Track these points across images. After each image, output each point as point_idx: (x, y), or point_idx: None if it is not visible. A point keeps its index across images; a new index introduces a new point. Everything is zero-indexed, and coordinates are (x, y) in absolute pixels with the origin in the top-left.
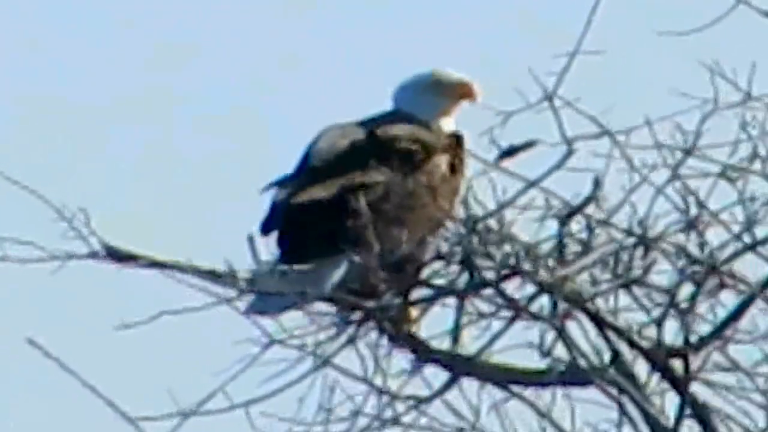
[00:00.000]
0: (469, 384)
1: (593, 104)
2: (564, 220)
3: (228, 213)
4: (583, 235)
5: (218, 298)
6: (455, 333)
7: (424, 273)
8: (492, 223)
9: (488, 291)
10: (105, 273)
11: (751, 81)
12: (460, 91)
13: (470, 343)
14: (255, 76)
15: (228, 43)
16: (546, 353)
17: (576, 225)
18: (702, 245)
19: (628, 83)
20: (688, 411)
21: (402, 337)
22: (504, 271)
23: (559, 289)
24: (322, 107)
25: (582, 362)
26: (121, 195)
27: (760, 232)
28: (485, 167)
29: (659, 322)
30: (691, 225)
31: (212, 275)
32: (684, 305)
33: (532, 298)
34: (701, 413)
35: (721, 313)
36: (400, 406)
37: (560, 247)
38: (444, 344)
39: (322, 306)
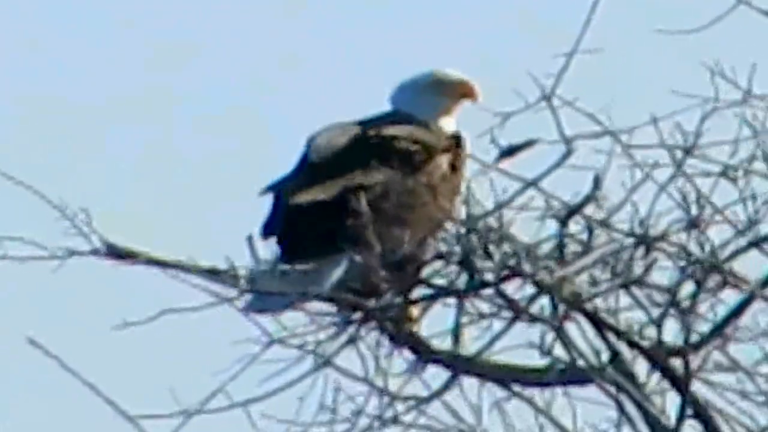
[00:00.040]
0: (469, 384)
1: (593, 104)
2: (564, 220)
3: (228, 213)
4: (583, 236)
5: (219, 297)
6: (456, 333)
7: (424, 272)
8: (491, 222)
9: (488, 291)
10: (105, 272)
11: (751, 80)
12: (461, 91)
13: (471, 343)
14: (255, 76)
15: (228, 43)
16: (546, 353)
17: (576, 225)
18: (702, 244)
19: (628, 83)
20: (689, 411)
21: (403, 336)
22: (504, 272)
23: (559, 291)
24: (322, 107)
25: (581, 363)
26: (121, 195)
27: (761, 230)
28: (484, 167)
29: (659, 322)
30: (692, 224)
31: (213, 274)
32: (685, 304)
33: (532, 299)
34: (702, 412)
35: (722, 312)
36: (400, 406)
37: (560, 247)
38: (445, 344)
39: (322, 305)
